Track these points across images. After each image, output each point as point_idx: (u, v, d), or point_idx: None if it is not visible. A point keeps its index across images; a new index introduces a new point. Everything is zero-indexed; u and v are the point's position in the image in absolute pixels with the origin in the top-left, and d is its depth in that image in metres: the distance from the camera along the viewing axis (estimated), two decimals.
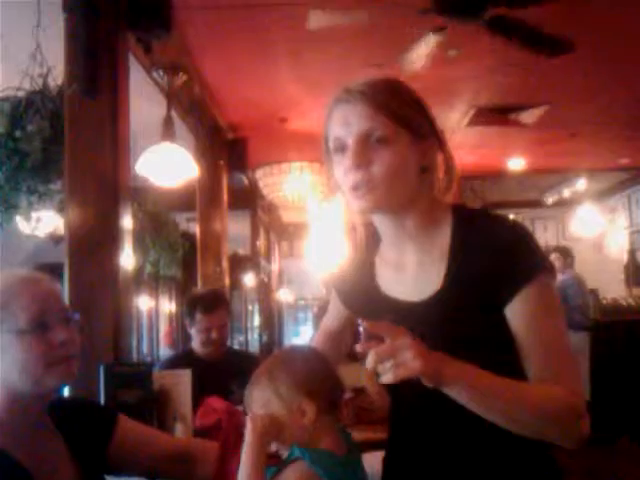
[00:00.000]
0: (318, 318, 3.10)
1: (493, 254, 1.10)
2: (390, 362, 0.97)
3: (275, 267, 10.40)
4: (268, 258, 9.57)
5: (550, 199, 9.01)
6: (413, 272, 1.19)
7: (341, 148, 1.13)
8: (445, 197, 1.19)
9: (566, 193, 8.58)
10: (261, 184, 6.51)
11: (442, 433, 1.15)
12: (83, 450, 1.23)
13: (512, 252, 1.10)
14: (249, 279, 8.92)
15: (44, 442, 1.18)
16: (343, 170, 1.13)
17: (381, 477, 1.29)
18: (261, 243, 8.55)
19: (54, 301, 1.18)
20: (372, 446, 1.73)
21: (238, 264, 7.77)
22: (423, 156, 1.15)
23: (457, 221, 1.17)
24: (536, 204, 9.17)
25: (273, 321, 10.20)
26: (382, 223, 1.21)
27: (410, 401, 1.18)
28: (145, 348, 9.93)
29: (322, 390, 1.13)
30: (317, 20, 3.10)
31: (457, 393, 1.01)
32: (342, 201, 1.22)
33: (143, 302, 8.98)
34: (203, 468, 1.33)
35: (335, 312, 1.42)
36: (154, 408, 2.07)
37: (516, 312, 1.09)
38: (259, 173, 6.43)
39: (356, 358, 3.25)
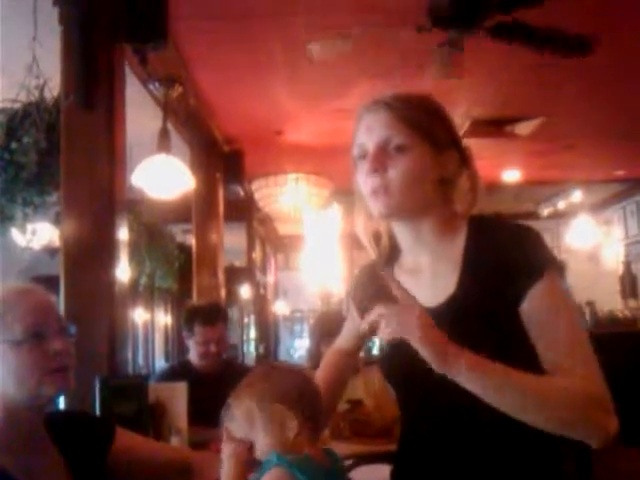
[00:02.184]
0: (314, 330, 3.09)
1: (503, 255, 1.13)
2: (393, 321, 1.03)
3: (271, 279, 10.38)
4: (264, 270, 9.56)
5: (545, 211, 9.04)
6: (428, 279, 1.22)
7: (363, 154, 1.19)
8: (466, 213, 1.22)
9: (561, 205, 8.61)
10: (257, 196, 6.52)
11: (453, 447, 1.15)
12: (80, 463, 1.22)
13: (522, 252, 1.13)
14: (245, 291, 8.91)
15: (40, 456, 1.17)
16: (364, 175, 1.18)
17: None
18: (257, 255, 8.54)
19: (49, 312, 1.18)
20: (368, 459, 1.73)
21: (234, 276, 7.77)
22: (442, 168, 1.19)
23: (471, 229, 1.21)
24: (531, 216, 9.19)
25: (269, 333, 10.18)
26: (400, 230, 1.25)
27: (422, 415, 1.19)
28: (141, 360, 9.89)
29: (303, 403, 1.13)
30: (317, 52, 3.11)
31: (467, 379, 1.02)
32: (360, 209, 1.27)
33: (139, 314, 8.96)
34: (201, 479, 1.32)
35: (349, 333, 1.44)
36: (150, 420, 2.06)
37: (529, 310, 1.10)
38: (255, 185, 6.44)
39: (356, 370, 3.23)
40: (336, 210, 7.12)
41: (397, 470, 1.27)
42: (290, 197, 6.12)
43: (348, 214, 7.32)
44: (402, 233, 1.25)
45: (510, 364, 1.05)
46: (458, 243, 1.20)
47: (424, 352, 1.01)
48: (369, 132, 1.18)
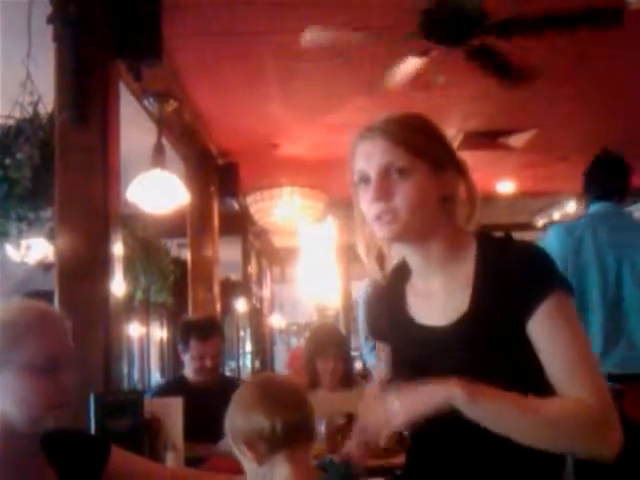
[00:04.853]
0: (309, 344, 3.08)
1: (513, 275, 1.14)
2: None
3: (267, 292, 10.37)
4: (260, 283, 9.54)
5: (540, 222, 9.06)
6: (440, 299, 1.23)
7: (365, 180, 1.19)
8: (467, 226, 1.23)
9: (556, 216, 8.63)
10: (252, 209, 6.52)
11: (460, 458, 1.16)
12: None
13: (530, 271, 1.15)
14: (241, 305, 8.89)
15: (36, 475, 1.16)
16: (367, 201, 1.19)
17: None
18: (252, 268, 8.53)
19: (68, 345, 1.17)
20: (367, 474, 1.72)
21: (229, 290, 7.76)
22: (443, 186, 1.20)
23: (481, 248, 1.22)
24: (526, 227, 9.20)
25: (265, 346, 10.15)
26: (408, 252, 1.26)
27: (429, 426, 1.19)
28: (136, 375, 9.85)
29: (268, 425, 1.11)
30: (311, 35, 3.12)
31: (468, 410, 1.05)
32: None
33: (134, 329, 8.93)
34: None
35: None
36: (145, 437, 2.05)
37: (537, 328, 1.12)
38: (250, 199, 6.45)
39: (349, 384, 3.23)
40: (331, 223, 7.13)
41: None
42: (285, 210, 6.13)
43: (343, 227, 7.33)
44: (411, 255, 1.26)
45: (521, 381, 1.08)
46: (468, 262, 1.21)
47: (425, 412, 1.04)
48: (368, 159, 1.18)
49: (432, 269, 1.24)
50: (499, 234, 1.28)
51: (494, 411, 1.06)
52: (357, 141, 1.22)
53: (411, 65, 3.31)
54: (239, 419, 1.13)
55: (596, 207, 2.76)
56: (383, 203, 1.15)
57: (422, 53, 3.24)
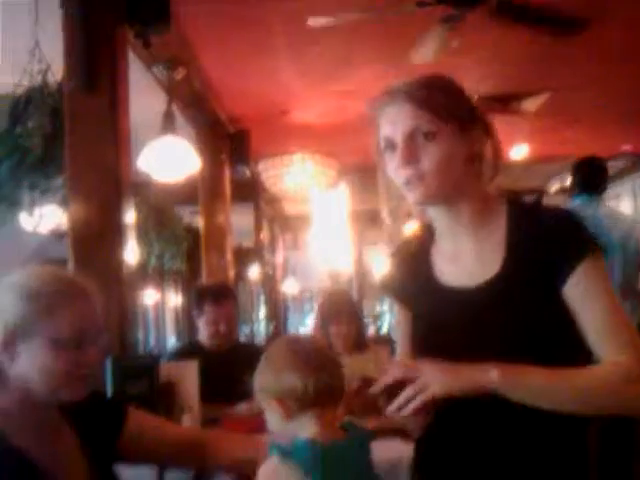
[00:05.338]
0: (322, 310, 3.10)
1: (548, 238, 1.15)
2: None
3: (279, 259, 10.40)
4: (272, 250, 9.58)
5: (553, 187, 8.98)
6: (469, 260, 1.23)
7: (391, 146, 1.19)
8: (490, 184, 1.23)
9: (570, 180, 8.54)
10: (263, 176, 6.50)
11: (481, 428, 1.17)
12: (93, 443, 1.24)
13: (566, 235, 1.16)
14: (254, 271, 8.94)
15: (55, 436, 1.19)
16: (395, 167, 1.18)
17: (414, 465, 1.31)
18: (265, 235, 8.55)
19: (96, 321, 1.17)
20: (383, 434, 1.75)
21: (242, 257, 7.79)
22: (470, 146, 1.20)
23: (512, 210, 1.22)
24: (540, 192, 9.14)
25: (279, 312, 10.22)
26: (437, 215, 1.26)
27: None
28: (152, 341, 9.98)
29: (293, 385, 1.13)
30: (316, 21, 3.10)
31: (504, 390, 1.08)
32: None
33: (149, 296, 9.01)
34: (213, 457, 1.33)
35: (406, 339, 1.39)
36: (161, 400, 2.08)
37: (574, 290, 1.14)
38: (261, 165, 6.43)
39: (362, 348, 3.25)
40: (343, 189, 7.10)
41: (422, 451, 1.29)
42: (297, 177, 6.11)
43: (355, 193, 7.31)
44: (440, 218, 1.26)
45: (550, 344, 1.11)
46: (499, 224, 1.21)
47: (460, 391, 1.08)
48: (393, 125, 1.18)
49: (461, 231, 1.23)
50: (529, 198, 1.28)
51: (530, 391, 1.09)
52: (380, 107, 1.21)
53: (437, 37, 3.24)
54: (271, 377, 1.15)
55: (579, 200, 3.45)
56: (411, 168, 1.15)
57: (439, 18, 3.18)
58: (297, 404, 1.13)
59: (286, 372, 1.14)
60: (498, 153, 1.23)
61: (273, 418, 1.17)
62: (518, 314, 1.14)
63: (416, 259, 1.31)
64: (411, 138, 1.16)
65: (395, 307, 1.40)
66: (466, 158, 1.19)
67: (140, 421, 1.35)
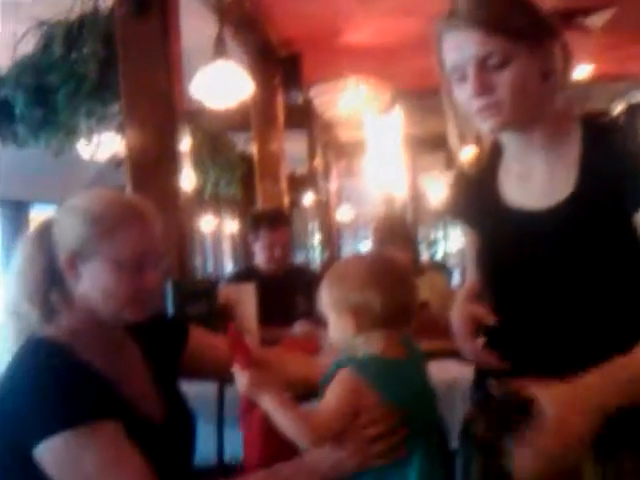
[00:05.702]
0: (376, 235, 3.10)
1: (623, 162, 1.10)
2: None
3: (333, 186, 10.38)
4: (326, 177, 9.55)
5: (617, 108, 8.59)
6: (540, 181, 1.18)
7: (461, 76, 1.12)
8: (563, 101, 1.16)
9: (637, 98, 8.15)
10: (316, 102, 6.40)
11: (547, 331, 1.16)
12: (158, 360, 1.28)
13: None
14: (308, 199, 8.96)
15: (121, 353, 1.22)
16: (466, 96, 1.13)
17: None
18: (319, 162, 8.51)
19: (156, 244, 1.18)
20: (435, 355, 1.76)
21: (296, 184, 7.80)
22: (543, 62, 1.13)
23: (587, 131, 1.16)
24: (604, 114, 8.76)
25: (333, 239, 10.29)
26: (509, 137, 1.21)
27: (517, 302, 1.20)
28: (210, 267, 10.23)
29: (372, 301, 1.12)
30: None
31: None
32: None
33: (206, 223, 9.18)
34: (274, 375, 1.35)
35: (474, 262, 1.37)
36: (220, 321, 2.14)
37: None
38: (314, 90, 6.31)
39: (417, 273, 3.25)
40: (398, 113, 6.94)
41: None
42: (350, 102, 5.99)
43: (410, 117, 7.15)
44: (511, 140, 1.21)
45: (618, 269, 1.08)
46: (572, 145, 1.15)
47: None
48: (460, 51, 1.10)
49: (533, 151, 1.18)
50: (604, 119, 1.22)
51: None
52: (444, 30, 1.13)
53: None
54: (350, 290, 1.14)
55: None
56: (485, 98, 1.09)
57: None
58: (370, 320, 1.12)
59: (368, 286, 1.12)
60: (568, 53, 1.15)
61: (339, 331, 1.16)
62: (588, 237, 1.10)
63: (483, 180, 1.27)
64: (483, 67, 1.08)
65: (463, 229, 1.37)
66: (541, 77, 1.12)
67: (201, 339, 1.39)
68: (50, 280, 1.15)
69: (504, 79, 1.08)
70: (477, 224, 1.30)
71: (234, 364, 1.10)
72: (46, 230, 1.17)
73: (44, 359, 1.09)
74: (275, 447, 1.21)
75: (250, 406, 1.23)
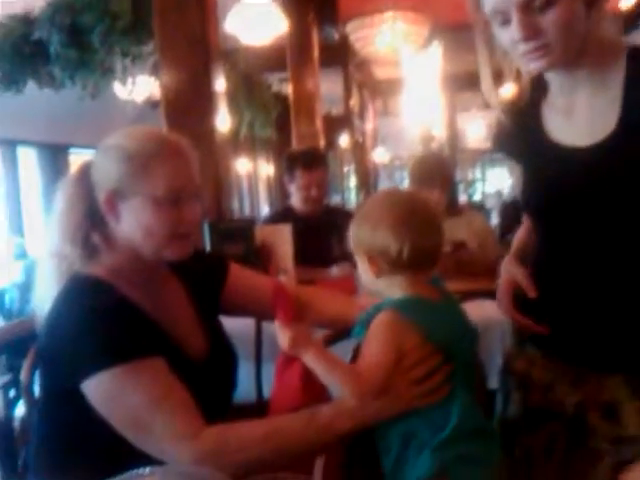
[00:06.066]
0: (413, 174, 3.05)
1: None
2: None
3: (369, 126, 10.25)
4: (362, 117, 9.43)
5: None
6: (584, 116, 1.14)
7: (503, 20, 1.07)
8: (608, 18, 1.11)
9: None
10: (352, 38, 6.25)
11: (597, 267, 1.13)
12: (200, 295, 1.29)
13: None
14: (343, 140, 8.87)
15: (164, 291, 1.24)
16: (509, 39, 1.08)
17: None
18: (354, 102, 8.39)
19: (192, 178, 1.17)
20: (473, 295, 1.75)
21: (332, 125, 7.72)
22: None
23: (631, 62, 1.11)
24: None
25: (368, 181, 10.23)
26: (553, 73, 1.16)
27: (565, 238, 1.17)
28: (247, 209, 10.30)
29: (395, 247, 1.07)
30: None
31: None
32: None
33: (242, 165, 9.19)
34: (309, 313, 1.36)
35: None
36: (257, 261, 2.15)
37: None
38: (350, 27, 6.15)
39: (455, 213, 3.21)
40: (436, 49, 6.75)
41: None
42: (387, 37, 5.83)
43: (449, 53, 6.95)
44: (555, 75, 1.16)
45: None
46: (617, 78, 1.10)
47: None
48: None
49: (577, 85, 1.14)
50: None
51: None
52: None
53: None
54: (366, 232, 1.10)
55: None
56: (533, 41, 1.04)
57: None
58: (388, 265, 1.09)
59: (382, 229, 1.08)
60: None
61: (363, 274, 1.15)
62: (629, 177, 1.06)
63: (526, 114, 1.22)
64: (527, 9, 1.02)
65: (509, 164, 1.34)
66: (585, 9, 1.06)
67: (241, 275, 1.40)
68: (91, 221, 1.16)
69: (550, 20, 1.03)
70: (522, 159, 1.26)
71: (276, 320, 1.07)
72: (85, 172, 1.18)
73: (89, 296, 1.10)
74: (314, 400, 1.21)
75: (289, 360, 1.23)
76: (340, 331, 1.31)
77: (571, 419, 1.15)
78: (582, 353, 1.16)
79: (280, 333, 1.06)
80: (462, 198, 9.30)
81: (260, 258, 2.20)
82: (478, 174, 14.63)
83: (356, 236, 1.13)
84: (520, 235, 1.37)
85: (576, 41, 1.06)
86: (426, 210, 1.14)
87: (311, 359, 1.05)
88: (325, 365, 1.04)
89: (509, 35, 1.06)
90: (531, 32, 1.03)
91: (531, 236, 1.33)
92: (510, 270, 1.29)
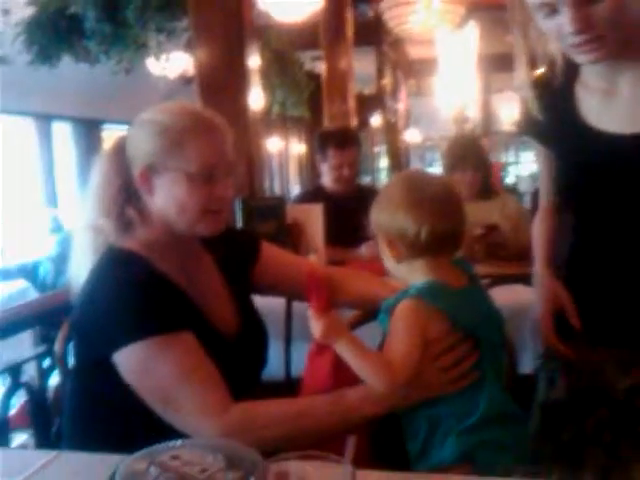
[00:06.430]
0: (447, 155, 3.01)
1: None
2: None
3: (401, 106, 10.15)
4: (394, 97, 9.33)
5: None
6: (626, 103, 1.10)
7: (550, 10, 1.02)
8: None
9: None
10: (387, 16, 6.17)
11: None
12: (232, 272, 1.29)
13: None
14: (375, 119, 8.81)
15: (197, 266, 1.24)
16: (557, 30, 1.04)
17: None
18: (387, 81, 8.30)
19: (226, 154, 1.17)
20: (504, 279, 1.73)
21: (364, 104, 7.65)
22: None
23: None
24: None
25: (400, 162, 10.15)
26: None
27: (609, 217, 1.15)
28: (276, 189, 10.32)
29: (413, 231, 1.06)
30: None
31: None
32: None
33: (273, 143, 9.19)
34: (339, 293, 1.36)
35: (548, 180, 1.30)
36: (288, 240, 2.15)
37: None
38: (384, 4, 6.08)
39: (488, 195, 3.17)
40: (472, 29, 6.63)
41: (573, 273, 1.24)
42: (422, 15, 5.75)
43: (485, 33, 6.82)
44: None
45: None
46: None
47: None
48: None
49: (620, 71, 1.10)
50: None
51: None
52: None
53: None
54: (384, 215, 1.09)
55: None
56: (585, 34, 1.00)
57: None
58: (408, 249, 1.08)
59: (401, 212, 1.06)
60: None
61: (385, 259, 1.13)
62: None
63: (558, 95, 1.18)
64: (580, 1, 0.98)
65: (537, 148, 1.30)
66: None
67: (273, 255, 1.40)
68: (126, 195, 1.16)
69: (604, 11, 0.98)
70: (552, 142, 1.23)
71: (310, 309, 1.07)
72: (121, 146, 1.18)
73: (124, 269, 1.11)
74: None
75: (321, 348, 1.23)
76: (370, 312, 1.30)
77: (621, 404, 1.13)
78: (632, 338, 1.14)
79: (313, 321, 1.06)
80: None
81: (291, 237, 2.19)
82: (512, 157, 14.42)
83: (376, 219, 1.11)
84: (545, 236, 1.32)
85: (629, 29, 1.03)
86: (446, 193, 1.11)
87: (342, 348, 1.05)
88: (356, 355, 1.04)
89: (557, 26, 1.02)
90: (584, 25, 1.00)
91: (556, 231, 1.30)
92: (551, 289, 1.24)
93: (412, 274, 1.11)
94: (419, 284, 1.08)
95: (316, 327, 1.05)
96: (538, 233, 1.34)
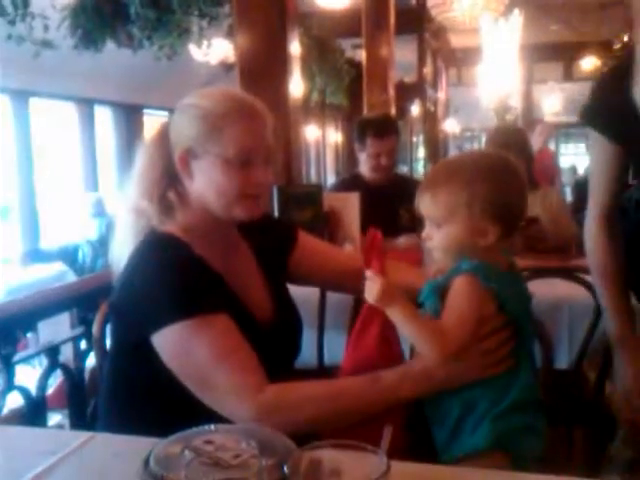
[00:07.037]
0: (489, 142, 2.97)
1: None
2: None
3: (442, 95, 10.03)
4: (435, 86, 9.23)
5: None
6: None
7: None
8: None
9: None
10: (429, 4, 6.10)
11: None
12: (268, 261, 1.30)
13: None
14: (415, 108, 8.73)
15: (234, 252, 1.25)
16: None
17: None
18: (428, 70, 8.21)
19: (265, 140, 1.16)
20: (542, 273, 1.69)
21: (403, 93, 7.58)
22: None
23: None
24: None
25: (438, 152, 10.05)
26: None
27: None
28: (313, 177, 10.32)
29: (508, 216, 1.06)
30: None
31: None
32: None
33: (310, 131, 9.17)
34: None
35: (607, 177, 1.26)
36: (325, 227, 2.14)
37: None
38: None
39: (530, 187, 3.12)
40: (517, 18, 6.50)
41: None
42: (466, 4, 5.66)
43: (530, 22, 6.69)
44: None
45: None
46: None
47: None
48: None
49: None
50: None
51: None
52: None
53: None
54: (484, 188, 1.05)
55: None
56: None
57: None
58: (506, 226, 1.05)
59: (477, 181, 1.04)
60: None
61: (445, 237, 1.08)
62: None
63: (624, 88, 1.15)
64: None
65: (593, 137, 1.25)
66: None
67: (309, 243, 1.40)
68: (168, 179, 1.17)
69: None
70: (615, 132, 1.19)
71: (368, 269, 1.05)
72: (165, 131, 1.19)
73: (165, 252, 1.13)
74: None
75: (366, 325, 1.22)
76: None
77: None
78: None
79: (370, 283, 1.04)
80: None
81: (327, 225, 2.19)
82: (552, 149, 14.17)
83: (474, 208, 1.06)
84: (611, 266, 1.27)
85: None
86: (515, 164, 1.12)
87: (397, 313, 1.04)
88: (410, 320, 1.03)
89: None
90: None
91: (622, 253, 1.24)
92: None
93: (468, 252, 1.07)
94: (470, 263, 1.05)
95: (372, 289, 1.03)
96: (599, 259, 1.28)
